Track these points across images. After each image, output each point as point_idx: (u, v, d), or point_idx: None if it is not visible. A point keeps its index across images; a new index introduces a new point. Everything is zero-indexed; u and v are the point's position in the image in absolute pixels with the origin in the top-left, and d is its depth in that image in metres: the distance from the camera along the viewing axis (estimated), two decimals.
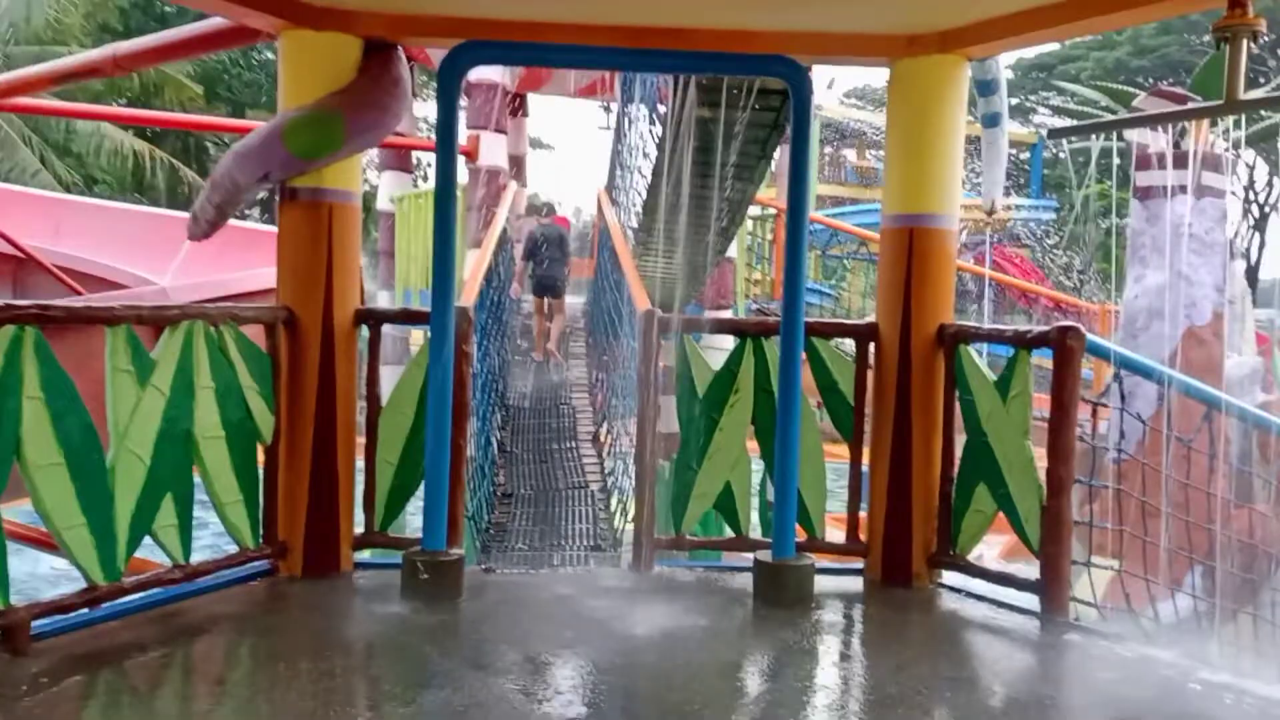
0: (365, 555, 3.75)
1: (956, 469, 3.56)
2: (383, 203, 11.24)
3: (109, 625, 2.89)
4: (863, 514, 3.72)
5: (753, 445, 3.69)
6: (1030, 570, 3.32)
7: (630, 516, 4.06)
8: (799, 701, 2.44)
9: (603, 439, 5.61)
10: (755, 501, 3.82)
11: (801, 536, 3.61)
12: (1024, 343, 3.34)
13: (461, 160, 9.84)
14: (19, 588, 2.73)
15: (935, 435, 3.60)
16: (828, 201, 25.35)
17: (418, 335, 7.88)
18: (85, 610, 2.85)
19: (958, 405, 3.56)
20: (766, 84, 4.21)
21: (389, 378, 3.59)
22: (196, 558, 3.20)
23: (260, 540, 3.45)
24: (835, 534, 3.76)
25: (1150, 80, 28.82)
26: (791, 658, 2.75)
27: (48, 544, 3.37)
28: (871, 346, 3.71)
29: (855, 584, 3.62)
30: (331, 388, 3.53)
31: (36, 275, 7.22)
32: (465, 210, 9.51)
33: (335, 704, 2.34)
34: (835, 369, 3.72)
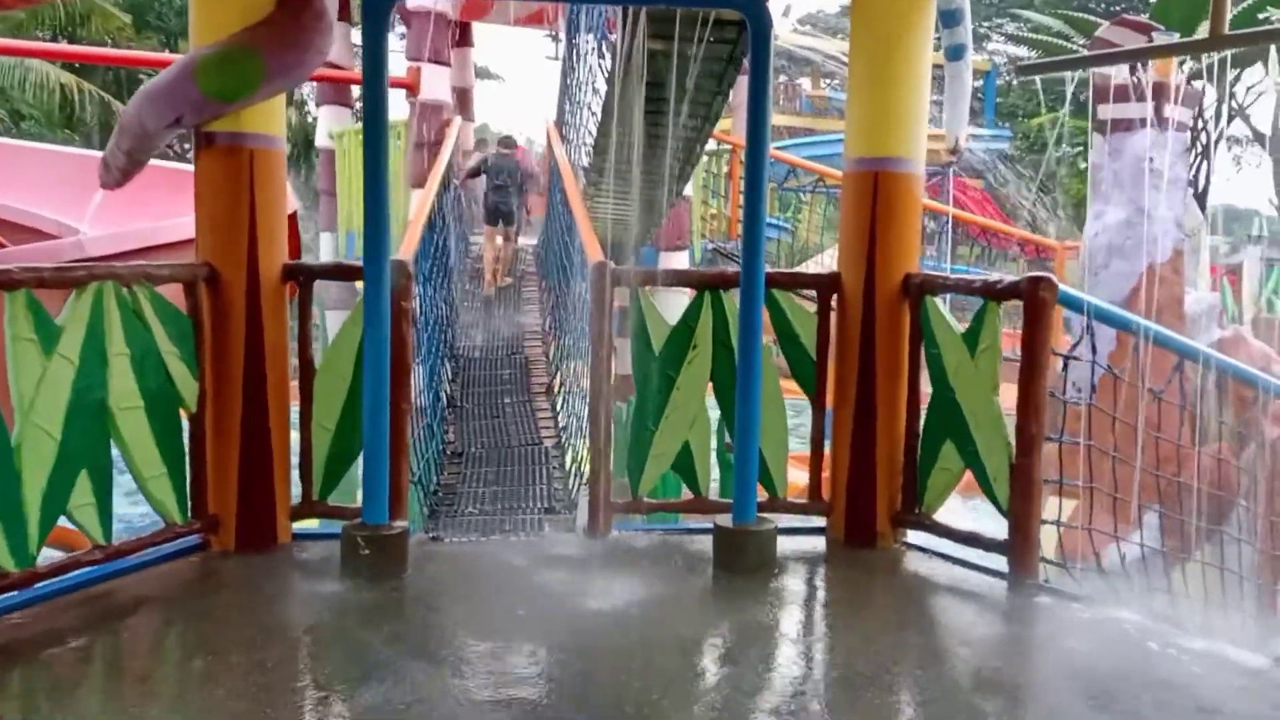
0: (306, 525, 3.57)
1: (922, 425, 3.45)
2: (321, 139, 10.79)
3: (23, 614, 2.69)
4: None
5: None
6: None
7: (585, 478, 3.91)
8: (763, 684, 2.33)
9: (556, 390, 5.44)
10: (714, 457, 3.70)
11: (762, 495, 3.49)
12: (993, 294, 3.21)
13: (402, 95, 9.46)
14: None
15: (900, 390, 3.48)
16: (784, 132, 25.06)
17: None
18: None
19: (924, 359, 3.43)
20: (722, 15, 3.97)
21: (337, 324, 3.37)
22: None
23: (189, 514, 3.25)
24: (797, 474, 3.63)
25: (1104, 6, 28.66)
26: (754, 634, 2.64)
27: None
28: (834, 298, 3.55)
29: (818, 544, 3.53)
30: (260, 349, 3.32)
31: None
32: (407, 148, 9.15)
33: (267, 702, 2.18)
34: (796, 321, 3.57)
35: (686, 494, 3.65)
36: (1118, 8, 27.85)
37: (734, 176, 10.19)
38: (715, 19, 3.90)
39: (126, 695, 2.33)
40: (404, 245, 3.83)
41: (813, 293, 3.63)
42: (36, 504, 2.74)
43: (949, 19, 4.91)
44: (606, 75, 4.94)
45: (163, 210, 5.60)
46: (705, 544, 3.32)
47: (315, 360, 3.46)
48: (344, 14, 10.86)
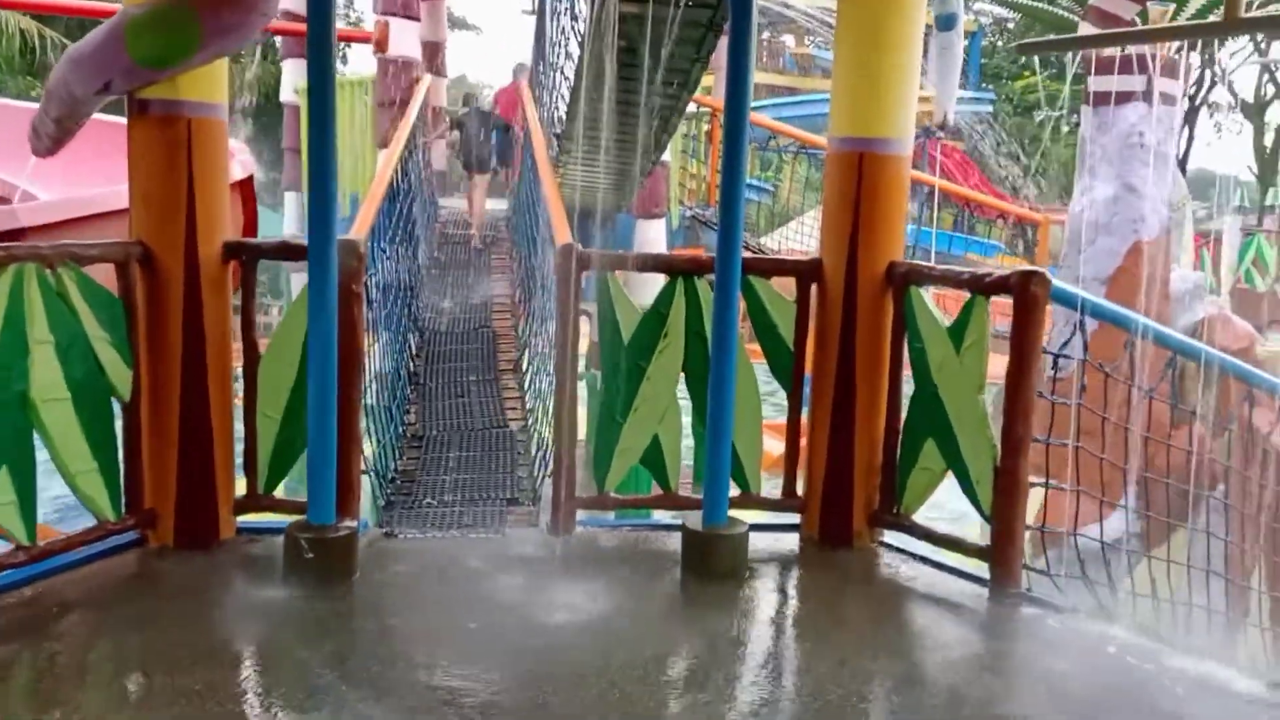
0: (253, 518, 3.38)
1: (903, 422, 3.30)
2: (286, 94, 10.42)
3: None
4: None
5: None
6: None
7: (549, 470, 3.74)
8: (731, 712, 2.18)
9: (524, 369, 5.25)
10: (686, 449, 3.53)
11: (734, 491, 3.34)
12: (981, 288, 3.04)
13: (367, 51, 9.12)
14: None
15: (881, 385, 3.33)
16: (764, 91, 24.69)
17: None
18: None
19: (907, 352, 3.27)
20: None
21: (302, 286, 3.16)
22: None
23: (124, 510, 3.06)
24: (773, 444, 3.46)
25: None
26: (722, 653, 2.50)
27: None
28: (814, 287, 3.37)
29: (791, 543, 3.39)
30: (199, 334, 3.11)
31: None
32: (375, 106, 8.84)
33: None
34: (774, 310, 3.40)
35: (656, 488, 3.49)
36: None
37: (714, 139, 9.94)
38: None
39: None
40: (358, 222, 3.61)
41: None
42: None
43: None
44: (580, 38, 4.70)
45: (114, 170, 5.30)
46: (674, 542, 3.17)
47: (261, 345, 3.25)
48: None
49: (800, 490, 3.48)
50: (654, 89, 4.62)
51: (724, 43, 4.40)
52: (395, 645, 2.44)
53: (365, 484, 3.72)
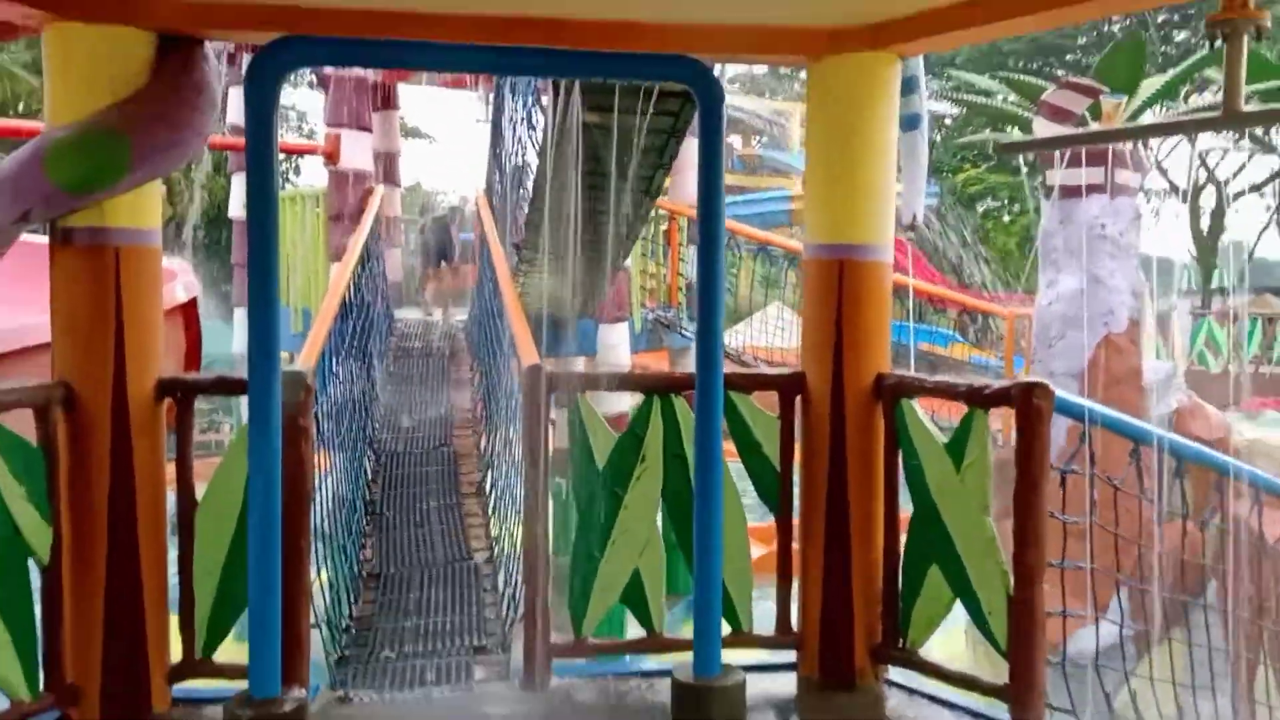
0: (190, 685, 3.03)
1: (903, 547, 3.06)
2: (235, 209, 10.25)
3: None
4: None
5: None
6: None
7: (519, 614, 3.44)
8: None
9: (487, 491, 4.96)
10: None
11: (725, 629, 3.06)
12: (979, 400, 2.85)
13: (319, 161, 9.00)
14: None
15: (876, 506, 3.10)
16: None
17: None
18: None
19: (902, 470, 3.05)
20: (665, 86, 3.63)
21: None
22: None
23: (42, 688, 2.70)
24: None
25: (1023, 64, 29.46)
26: None
27: None
28: (798, 401, 3.17)
29: (788, 685, 3.11)
30: (129, 482, 2.81)
31: None
32: (328, 219, 8.68)
33: None
34: (757, 427, 3.18)
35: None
36: (1046, 67, 28.65)
37: (672, 240, 9.89)
38: (658, 89, 3.56)
39: None
40: (307, 346, 3.36)
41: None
42: None
43: (903, 87, 4.69)
44: (537, 147, 4.57)
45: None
46: (662, 691, 2.89)
47: (196, 491, 2.96)
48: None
49: (795, 625, 3.21)
50: (617, 197, 4.48)
51: (687, 145, 4.29)
52: None
53: (316, 636, 3.39)
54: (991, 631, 2.81)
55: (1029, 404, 2.75)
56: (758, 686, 3.02)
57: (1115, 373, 6.49)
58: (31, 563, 2.69)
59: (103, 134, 2.60)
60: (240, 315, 10.31)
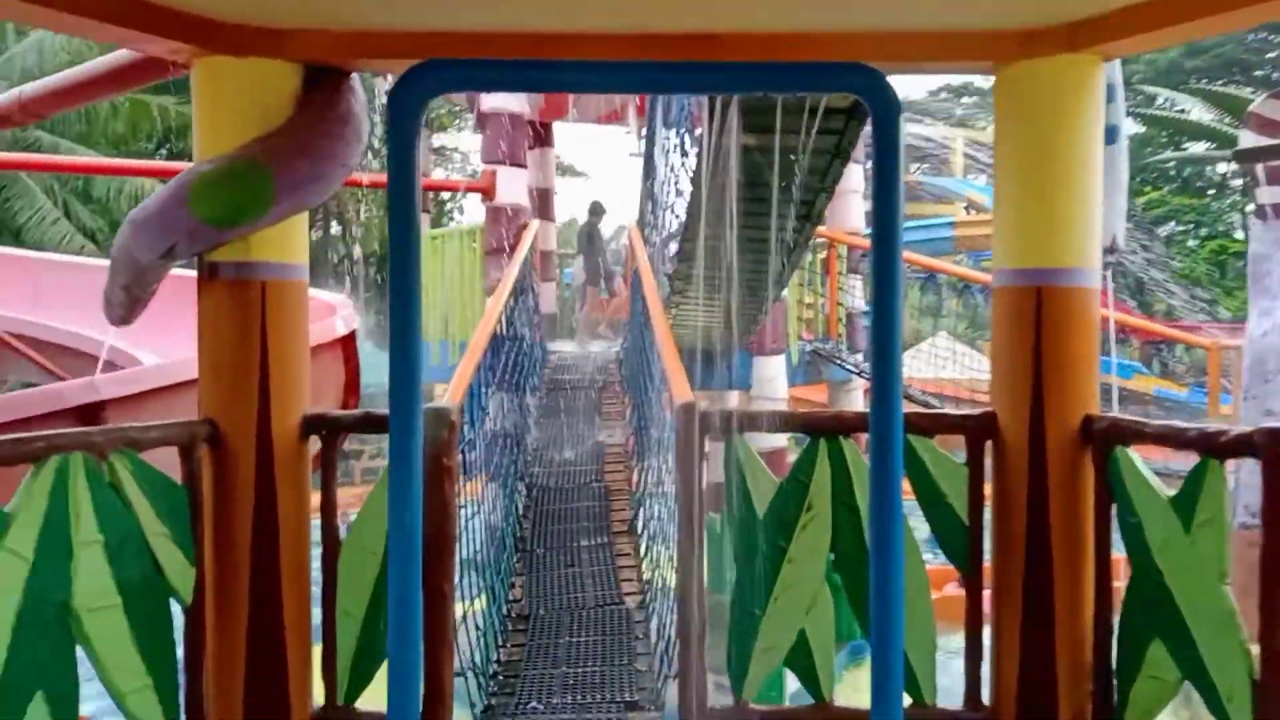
0: None
1: (1119, 616, 2.63)
2: None
3: None
4: None
5: None
6: None
7: (674, 671, 3.16)
8: None
9: (640, 530, 4.73)
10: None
11: (906, 702, 2.69)
12: (1215, 449, 2.40)
13: (477, 198, 9.10)
14: None
15: (1084, 568, 2.68)
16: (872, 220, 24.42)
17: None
18: None
19: (1117, 527, 2.63)
20: (831, 102, 3.33)
21: None
22: None
23: None
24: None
25: (1206, 80, 27.48)
26: None
27: None
28: (989, 445, 2.79)
29: None
30: (272, 523, 2.72)
31: (8, 350, 6.51)
32: (484, 254, 8.74)
33: None
34: (941, 476, 2.81)
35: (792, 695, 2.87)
36: (1231, 83, 26.62)
37: (831, 269, 9.49)
38: (824, 106, 3.27)
39: None
40: (454, 381, 3.22)
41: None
42: None
43: None
44: (691, 175, 4.34)
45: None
46: None
47: (340, 532, 2.83)
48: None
49: (987, 699, 2.81)
50: (776, 224, 4.19)
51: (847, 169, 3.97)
52: None
53: (460, 682, 3.21)
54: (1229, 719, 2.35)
55: (1277, 451, 2.29)
56: None
57: None
58: (174, 603, 2.60)
59: (245, 167, 2.52)
60: None
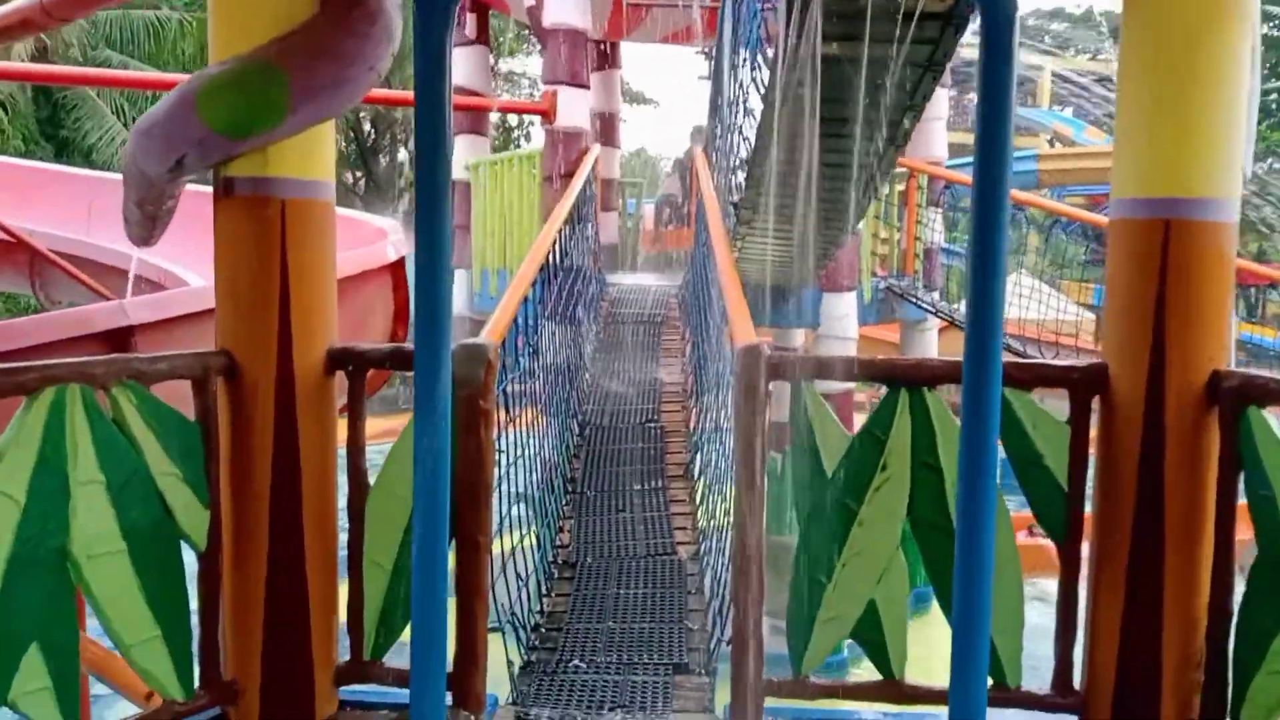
0: (359, 688, 2.73)
1: (1240, 600, 2.30)
2: (457, 171, 10.23)
3: None
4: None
5: None
6: None
7: (728, 638, 2.92)
8: None
9: (695, 476, 4.49)
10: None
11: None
12: None
13: (538, 120, 8.76)
14: None
15: (1201, 544, 2.35)
16: (954, 150, 23.58)
17: None
18: None
19: (1245, 500, 2.28)
20: (924, 5, 2.94)
21: None
22: None
23: (197, 686, 2.45)
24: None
25: None
26: None
27: None
28: (1097, 403, 2.45)
29: None
30: (294, 463, 2.51)
31: (59, 270, 6.45)
32: (543, 180, 8.43)
33: None
34: (1039, 434, 2.49)
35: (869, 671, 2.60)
36: None
37: (910, 201, 8.99)
38: (919, 10, 2.88)
39: None
40: (493, 320, 2.95)
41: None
42: None
43: None
44: (763, 91, 3.97)
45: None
46: None
47: (368, 475, 2.62)
48: (482, 36, 10.33)
49: (1079, 683, 2.52)
50: (856, 145, 3.82)
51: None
52: None
53: (497, 637, 3.02)
54: None
55: None
56: None
57: None
58: (187, 549, 2.42)
59: (258, 70, 2.25)
60: (460, 277, 10.33)
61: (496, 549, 3.20)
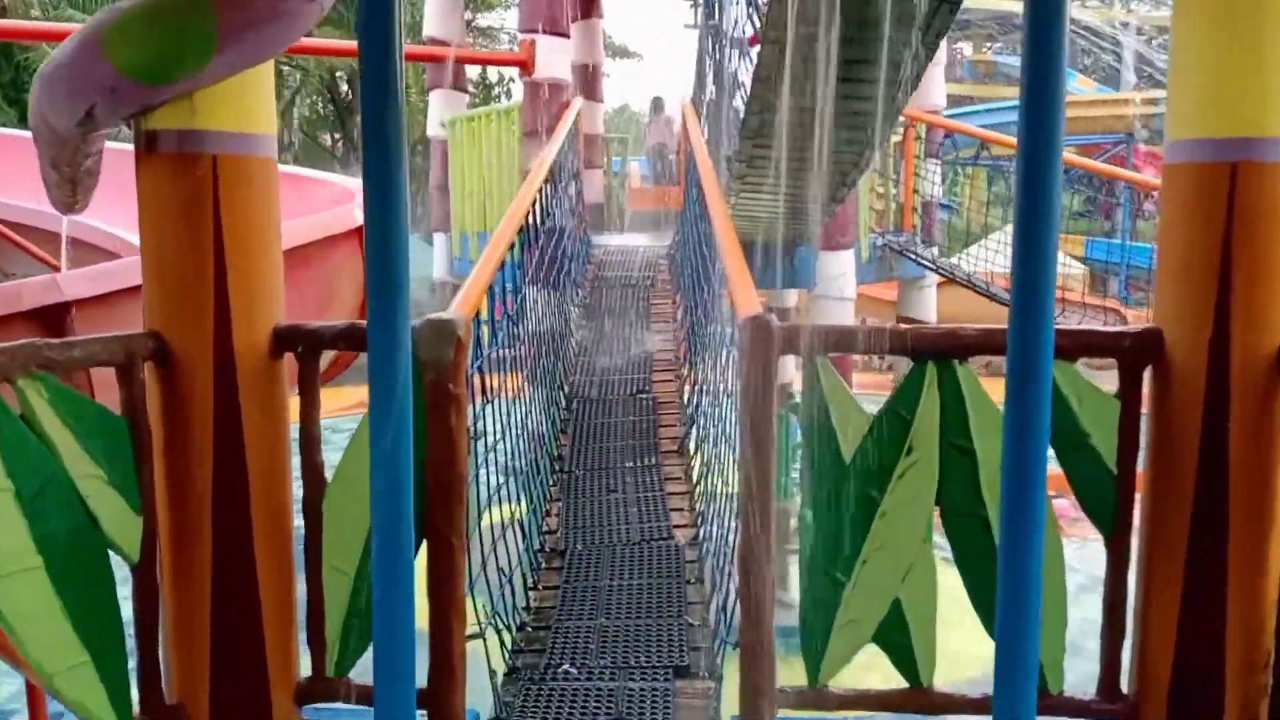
0: (322, 706, 2.47)
1: None
2: (433, 128, 9.86)
3: None
4: None
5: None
6: None
7: (733, 627, 2.68)
8: None
9: (691, 451, 4.22)
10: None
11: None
12: None
13: (515, 72, 8.38)
14: None
15: (1271, 532, 2.10)
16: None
17: None
18: None
19: None
20: None
21: None
22: None
23: (138, 712, 2.18)
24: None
25: None
26: None
27: None
28: (1149, 375, 2.19)
29: None
30: (238, 457, 2.23)
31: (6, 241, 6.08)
32: (521, 136, 8.08)
33: None
34: (1085, 410, 2.22)
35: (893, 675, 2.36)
36: None
37: (907, 153, 8.67)
38: None
39: None
40: (463, 293, 2.66)
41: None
42: None
43: None
44: (760, 27, 3.65)
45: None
46: None
47: (325, 469, 2.34)
48: None
49: (1127, 687, 2.28)
50: (863, 86, 3.51)
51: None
52: None
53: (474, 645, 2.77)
54: None
55: None
56: None
57: None
58: (118, 561, 2.14)
59: (178, 2, 1.93)
60: (440, 241, 9.99)
61: (476, 540, 2.95)
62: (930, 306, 9.51)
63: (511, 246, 3.76)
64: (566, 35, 8.23)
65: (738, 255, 2.93)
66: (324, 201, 5.11)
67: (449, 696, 2.29)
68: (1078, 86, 23.55)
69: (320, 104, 27.89)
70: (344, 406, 6.13)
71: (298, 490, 2.37)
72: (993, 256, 10.09)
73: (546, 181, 4.94)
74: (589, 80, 10.67)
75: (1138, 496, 2.23)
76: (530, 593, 3.22)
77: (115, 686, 2.13)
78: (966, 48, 29.71)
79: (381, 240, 1.87)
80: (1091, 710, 2.30)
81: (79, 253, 5.83)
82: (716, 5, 5.66)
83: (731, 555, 2.89)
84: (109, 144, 2.40)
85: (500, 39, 30.65)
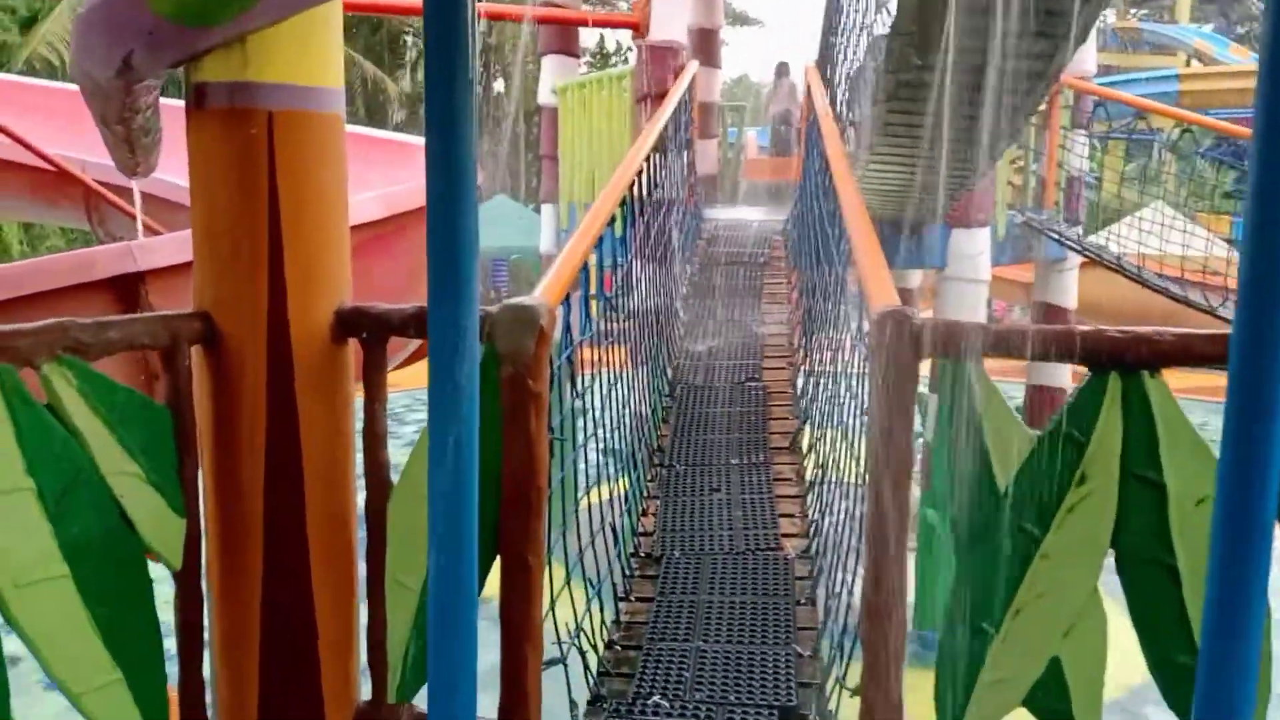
0: None
1: None
2: (544, 96, 9.60)
3: None
4: None
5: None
6: None
7: (846, 678, 2.34)
8: None
9: (806, 450, 3.86)
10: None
11: None
12: None
13: (628, 35, 8.05)
14: None
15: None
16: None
17: None
18: None
19: None
20: None
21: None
22: None
23: None
24: None
25: None
26: None
27: None
28: None
29: None
30: (294, 454, 2.00)
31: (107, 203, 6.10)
32: (634, 102, 7.75)
33: None
34: None
35: None
36: None
37: (1052, 124, 8.02)
38: None
39: None
40: (550, 277, 2.36)
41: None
42: None
43: None
44: None
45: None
46: None
47: (390, 470, 2.09)
48: None
49: None
50: (1015, 46, 3.07)
51: None
52: None
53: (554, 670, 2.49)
54: None
55: None
56: None
57: None
58: (158, 568, 1.93)
59: None
60: (548, 212, 9.77)
61: (571, 537, 2.68)
62: (1071, 291, 8.82)
63: (612, 220, 3.45)
64: None
65: (869, 234, 2.56)
66: (416, 168, 4.91)
67: None
68: (1232, 56, 22.17)
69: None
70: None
71: (361, 493, 2.13)
72: (1144, 237, 9.32)
73: (655, 150, 4.61)
74: (706, 45, 10.26)
75: None
76: (620, 604, 2.95)
77: (151, 706, 1.93)
78: (1110, 15, 28.28)
79: (445, 208, 1.57)
80: None
81: (178, 216, 5.78)
82: None
83: (851, 581, 2.54)
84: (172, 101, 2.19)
85: (617, 5, 30.33)
